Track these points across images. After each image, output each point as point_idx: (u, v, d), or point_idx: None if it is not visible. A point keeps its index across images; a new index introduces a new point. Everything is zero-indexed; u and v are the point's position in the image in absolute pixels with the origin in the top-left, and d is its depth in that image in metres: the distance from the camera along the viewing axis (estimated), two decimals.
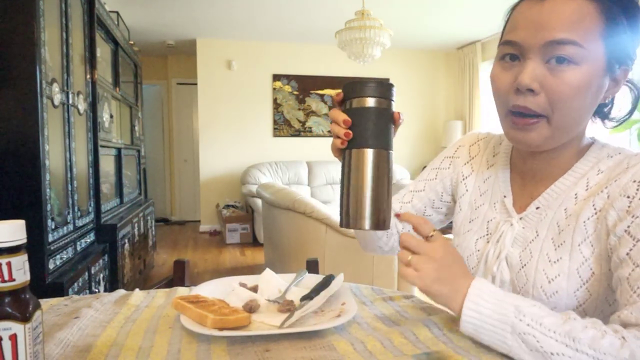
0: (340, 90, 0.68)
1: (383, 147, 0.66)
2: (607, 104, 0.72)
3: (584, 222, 0.66)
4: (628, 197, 0.62)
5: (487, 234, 0.79)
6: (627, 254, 0.61)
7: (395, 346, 0.63)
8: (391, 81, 6.16)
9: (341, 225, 0.68)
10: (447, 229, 0.96)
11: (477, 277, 0.64)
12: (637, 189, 0.62)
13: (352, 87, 0.67)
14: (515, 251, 0.74)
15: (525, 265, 0.71)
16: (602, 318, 0.66)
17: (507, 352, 0.59)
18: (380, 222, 0.66)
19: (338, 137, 0.67)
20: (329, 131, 6.02)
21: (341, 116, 0.65)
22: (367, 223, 0.66)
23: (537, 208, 0.73)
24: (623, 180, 0.64)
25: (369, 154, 0.66)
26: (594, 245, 0.66)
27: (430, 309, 0.79)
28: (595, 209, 0.66)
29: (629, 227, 0.61)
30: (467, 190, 0.85)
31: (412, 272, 0.64)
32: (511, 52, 0.67)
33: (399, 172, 5.83)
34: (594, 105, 0.67)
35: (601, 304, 0.66)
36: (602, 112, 0.73)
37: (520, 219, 0.75)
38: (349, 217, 0.67)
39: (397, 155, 6.07)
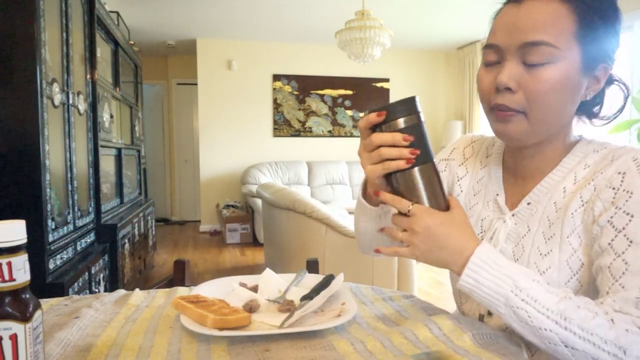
0: (371, 113, 0.67)
1: (427, 160, 0.68)
2: (597, 103, 0.74)
3: (572, 214, 0.69)
4: (613, 188, 0.65)
5: (482, 232, 0.81)
6: (609, 243, 0.64)
7: (395, 346, 0.63)
8: (391, 81, 6.20)
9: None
10: None
11: (483, 243, 0.66)
12: (622, 180, 0.65)
13: (387, 108, 0.67)
14: (508, 247, 0.76)
15: (517, 259, 0.74)
16: None
17: (498, 315, 0.63)
18: None
19: (392, 159, 0.66)
20: (330, 131, 6.02)
21: (397, 135, 0.65)
22: None
23: (528, 204, 0.75)
24: (608, 173, 0.66)
25: (417, 171, 0.67)
26: (581, 236, 0.68)
27: (430, 308, 0.79)
28: (582, 200, 0.68)
29: (612, 217, 0.64)
30: (461, 190, 0.87)
31: (405, 248, 0.68)
32: (492, 54, 0.70)
33: None
34: (574, 102, 0.69)
35: (590, 294, 0.68)
36: (591, 112, 0.75)
37: (513, 215, 0.77)
38: None
39: None
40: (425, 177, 0.68)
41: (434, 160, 0.69)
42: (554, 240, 0.70)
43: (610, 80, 0.73)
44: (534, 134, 0.70)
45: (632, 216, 0.62)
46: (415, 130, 0.67)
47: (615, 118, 0.76)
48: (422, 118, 0.68)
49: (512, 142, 0.73)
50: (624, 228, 0.63)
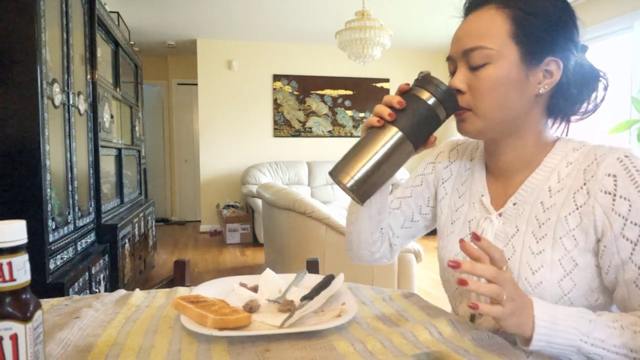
0: (407, 83, 0.73)
1: (413, 140, 0.70)
2: (579, 100, 0.76)
3: (565, 217, 0.71)
4: (608, 192, 0.67)
5: (470, 233, 0.82)
6: (630, 258, 0.66)
7: (395, 346, 0.63)
8: (391, 81, 6.19)
9: (331, 172, 0.71)
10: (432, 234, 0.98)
11: (536, 303, 0.64)
12: (615, 184, 0.66)
13: (426, 78, 0.71)
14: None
15: (509, 259, 0.75)
16: (587, 305, 0.71)
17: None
18: (360, 189, 0.69)
19: (379, 115, 0.71)
20: (330, 131, 6.02)
21: (396, 98, 0.71)
22: (350, 182, 0.69)
23: (514, 204, 0.77)
24: (598, 176, 0.68)
25: (398, 135, 0.69)
26: (577, 238, 0.70)
27: (429, 308, 0.80)
28: (576, 204, 0.70)
29: (623, 229, 0.66)
30: (446, 193, 0.90)
31: (499, 308, 0.61)
32: (450, 65, 0.78)
33: (399, 172, 5.82)
34: (522, 95, 0.72)
35: (585, 292, 0.70)
36: (569, 110, 0.77)
37: (500, 215, 0.78)
38: (341, 167, 0.70)
39: None
40: (393, 142, 0.69)
41: (414, 144, 0.71)
42: (546, 240, 0.71)
43: (596, 76, 0.76)
44: (487, 127, 0.75)
45: None
46: (421, 105, 0.69)
47: (595, 110, 0.78)
48: (437, 107, 0.70)
49: (471, 137, 0.78)
50: (638, 240, 0.65)
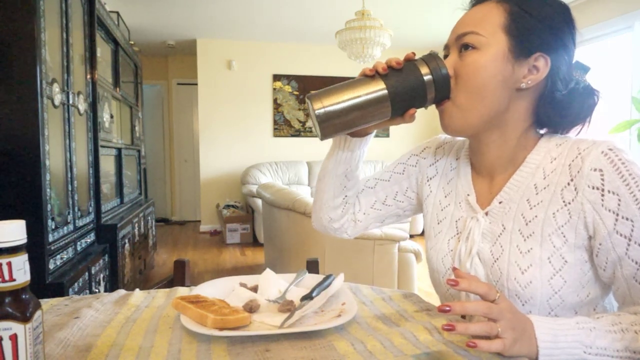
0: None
1: (393, 103, 0.70)
2: (564, 105, 0.73)
3: (553, 214, 0.70)
4: (596, 188, 0.66)
5: (457, 233, 0.82)
6: (626, 253, 0.65)
7: (395, 346, 0.63)
8: None
9: (308, 95, 0.72)
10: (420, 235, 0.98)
11: (536, 323, 0.63)
12: (602, 179, 0.66)
13: (432, 55, 0.72)
14: (485, 246, 0.76)
15: (497, 259, 0.74)
16: (578, 301, 0.70)
17: None
18: (325, 122, 0.70)
19: (374, 67, 0.72)
20: None
21: (396, 59, 0.72)
22: (320, 110, 0.70)
23: (500, 202, 0.77)
24: (584, 171, 0.67)
25: (382, 92, 0.70)
26: (566, 235, 0.69)
27: (428, 307, 0.80)
28: (564, 201, 0.70)
29: (615, 224, 0.65)
30: (431, 191, 0.90)
31: (500, 342, 0.59)
32: (446, 52, 0.79)
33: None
34: (505, 86, 0.72)
35: (576, 288, 0.70)
36: (560, 121, 0.75)
37: (486, 214, 0.78)
38: (318, 94, 0.71)
39: (397, 155, 6.07)
40: (376, 97, 0.70)
41: (393, 110, 0.71)
42: (534, 238, 0.71)
43: (591, 92, 0.74)
44: (467, 123, 0.74)
45: (632, 221, 0.64)
46: (416, 76, 0.70)
47: (584, 120, 0.75)
48: (429, 85, 0.71)
49: (453, 133, 0.78)
50: (631, 235, 0.65)
